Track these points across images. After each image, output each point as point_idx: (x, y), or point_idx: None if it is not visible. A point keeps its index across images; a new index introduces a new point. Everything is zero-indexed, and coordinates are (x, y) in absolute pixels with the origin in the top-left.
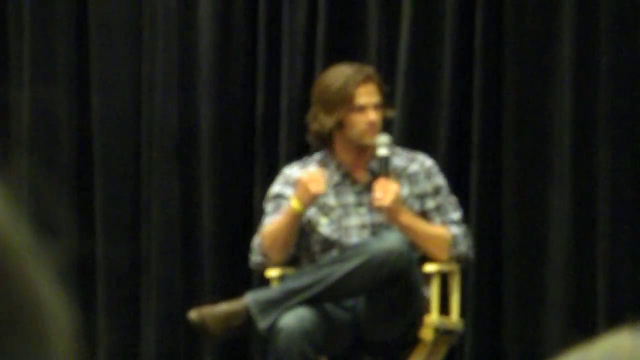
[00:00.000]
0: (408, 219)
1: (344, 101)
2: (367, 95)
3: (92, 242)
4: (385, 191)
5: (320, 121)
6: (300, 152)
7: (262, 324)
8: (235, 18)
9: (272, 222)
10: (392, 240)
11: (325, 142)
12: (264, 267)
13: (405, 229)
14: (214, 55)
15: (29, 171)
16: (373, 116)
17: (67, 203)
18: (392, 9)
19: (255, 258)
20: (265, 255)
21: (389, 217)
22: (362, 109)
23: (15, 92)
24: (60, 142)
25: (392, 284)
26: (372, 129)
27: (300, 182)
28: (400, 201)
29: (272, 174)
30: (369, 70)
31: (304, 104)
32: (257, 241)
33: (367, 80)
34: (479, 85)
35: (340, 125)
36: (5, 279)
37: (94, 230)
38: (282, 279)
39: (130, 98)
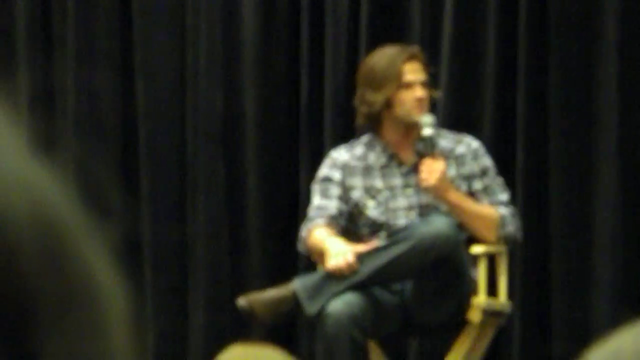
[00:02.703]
0: (456, 197)
1: (391, 78)
2: (414, 72)
3: (140, 227)
4: (431, 170)
5: (368, 101)
6: (344, 136)
7: (310, 309)
8: (278, 2)
9: (318, 240)
10: (439, 224)
11: (373, 124)
12: (308, 255)
13: (453, 207)
14: (257, 40)
15: (76, 155)
16: (420, 92)
17: (114, 187)
18: None
19: (300, 247)
20: (307, 251)
21: (436, 196)
22: (409, 85)
23: (60, 77)
24: (106, 128)
25: (440, 267)
26: (420, 105)
27: (336, 265)
28: (447, 179)
29: (317, 158)
30: (414, 48)
31: (348, 88)
32: (303, 231)
33: (412, 57)
34: (523, 66)
35: (388, 104)
36: (62, 259)
37: (141, 215)
38: None
39: (174, 84)
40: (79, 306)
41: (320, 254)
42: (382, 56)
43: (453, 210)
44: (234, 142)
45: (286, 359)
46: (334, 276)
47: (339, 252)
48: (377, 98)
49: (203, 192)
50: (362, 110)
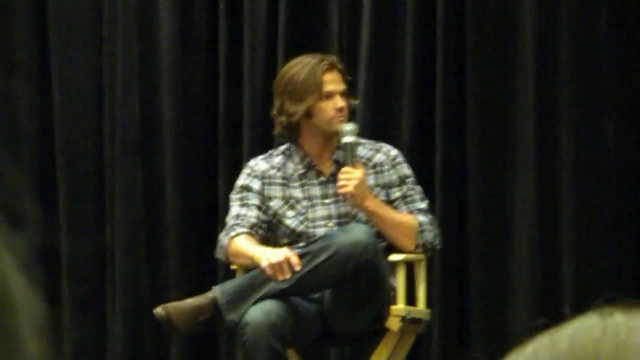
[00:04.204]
0: (374, 204)
1: (312, 89)
2: (334, 83)
3: (57, 236)
4: (350, 178)
5: (288, 111)
6: (263, 144)
7: (231, 315)
8: (196, 11)
9: (242, 247)
10: (357, 232)
11: (292, 134)
12: (226, 264)
13: (371, 215)
14: (175, 49)
15: None
16: (340, 102)
17: (31, 196)
18: None
19: (219, 255)
20: (227, 259)
21: (354, 203)
22: (330, 95)
23: None
24: (22, 136)
25: (358, 275)
26: (341, 114)
27: (277, 260)
28: (365, 186)
29: (235, 166)
30: (333, 58)
31: (266, 96)
32: (222, 239)
33: (332, 67)
34: (440, 73)
35: (308, 114)
36: None
37: (59, 224)
38: (247, 271)
39: (91, 92)
40: None
41: (246, 258)
42: (302, 66)
43: (372, 218)
44: (152, 150)
45: None
46: (255, 282)
47: (274, 252)
48: (297, 108)
49: (121, 201)
50: (281, 120)
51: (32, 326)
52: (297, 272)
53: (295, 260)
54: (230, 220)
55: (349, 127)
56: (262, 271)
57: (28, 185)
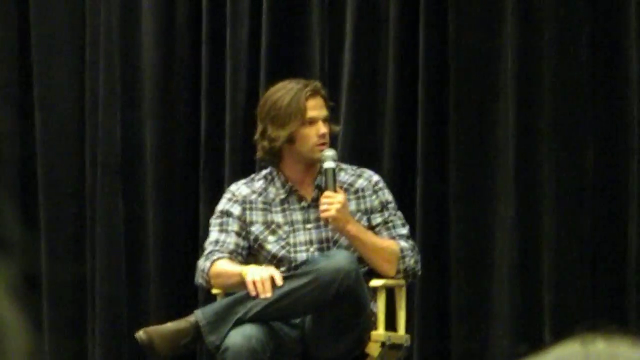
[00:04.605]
0: (356, 229)
1: (295, 115)
2: (317, 109)
3: (38, 261)
4: (331, 202)
5: (270, 137)
6: (244, 169)
7: (212, 337)
8: (178, 35)
9: (225, 267)
10: (339, 259)
11: (274, 159)
12: (207, 288)
13: (353, 240)
14: (157, 73)
15: None
16: (323, 129)
17: (12, 220)
18: (334, 24)
19: (199, 280)
20: (208, 283)
21: (336, 228)
22: (313, 122)
23: None
24: (4, 160)
25: (340, 302)
26: (323, 141)
27: (261, 278)
28: (347, 211)
29: (217, 191)
30: (316, 84)
31: (248, 120)
32: (202, 265)
33: (315, 94)
34: (422, 99)
35: (291, 140)
36: None
37: (39, 248)
38: (228, 294)
39: (73, 116)
40: None
41: (231, 276)
42: (285, 92)
43: (353, 243)
44: (133, 175)
45: None
46: (236, 304)
47: (259, 270)
48: (280, 134)
49: (102, 226)
50: (263, 145)
51: (20, 351)
52: (280, 289)
53: (278, 276)
54: (209, 246)
55: (330, 152)
56: (246, 287)
57: (10, 209)
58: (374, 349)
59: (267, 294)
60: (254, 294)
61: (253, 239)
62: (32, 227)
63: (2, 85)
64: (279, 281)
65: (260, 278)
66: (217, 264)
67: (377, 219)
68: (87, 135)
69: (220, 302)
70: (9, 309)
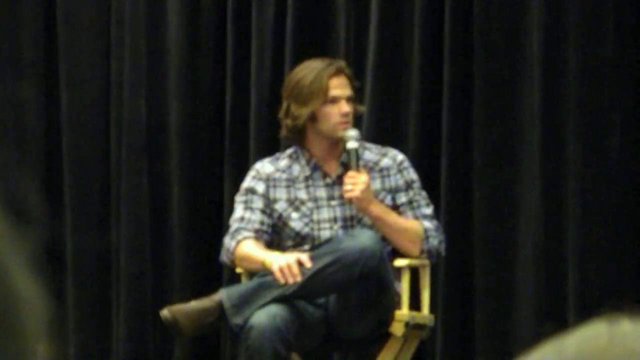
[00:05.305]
0: (379, 209)
1: (317, 93)
2: (340, 88)
3: (62, 237)
4: (355, 182)
5: (293, 115)
6: (269, 147)
7: (236, 319)
8: (203, 14)
9: (250, 252)
10: (364, 238)
11: (298, 137)
12: (231, 267)
13: (376, 220)
14: (182, 52)
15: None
16: (346, 108)
17: (38, 196)
18: (360, 4)
19: (223, 258)
20: (232, 262)
21: (360, 208)
22: (335, 100)
23: None
24: (29, 138)
25: (364, 281)
26: (345, 120)
27: (287, 263)
28: (370, 191)
29: (241, 169)
30: (340, 63)
31: (272, 99)
32: (227, 243)
33: (339, 72)
34: (447, 80)
35: (313, 118)
36: None
37: (64, 225)
38: (252, 275)
39: (98, 94)
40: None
41: (255, 262)
42: (308, 70)
43: (376, 223)
44: (158, 153)
45: None
46: (262, 287)
47: (284, 256)
48: (302, 112)
49: (126, 203)
50: (286, 123)
51: (39, 327)
52: (307, 272)
53: (305, 258)
54: (234, 223)
55: (353, 132)
56: (273, 276)
57: (35, 185)
58: (397, 329)
59: (297, 278)
60: (283, 281)
61: (277, 216)
62: (58, 203)
63: (28, 64)
64: (307, 263)
65: (287, 263)
66: (242, 245)
67: (402, 198)
68: (112, 113)
69: (246, 285)
70: (28, 283)
